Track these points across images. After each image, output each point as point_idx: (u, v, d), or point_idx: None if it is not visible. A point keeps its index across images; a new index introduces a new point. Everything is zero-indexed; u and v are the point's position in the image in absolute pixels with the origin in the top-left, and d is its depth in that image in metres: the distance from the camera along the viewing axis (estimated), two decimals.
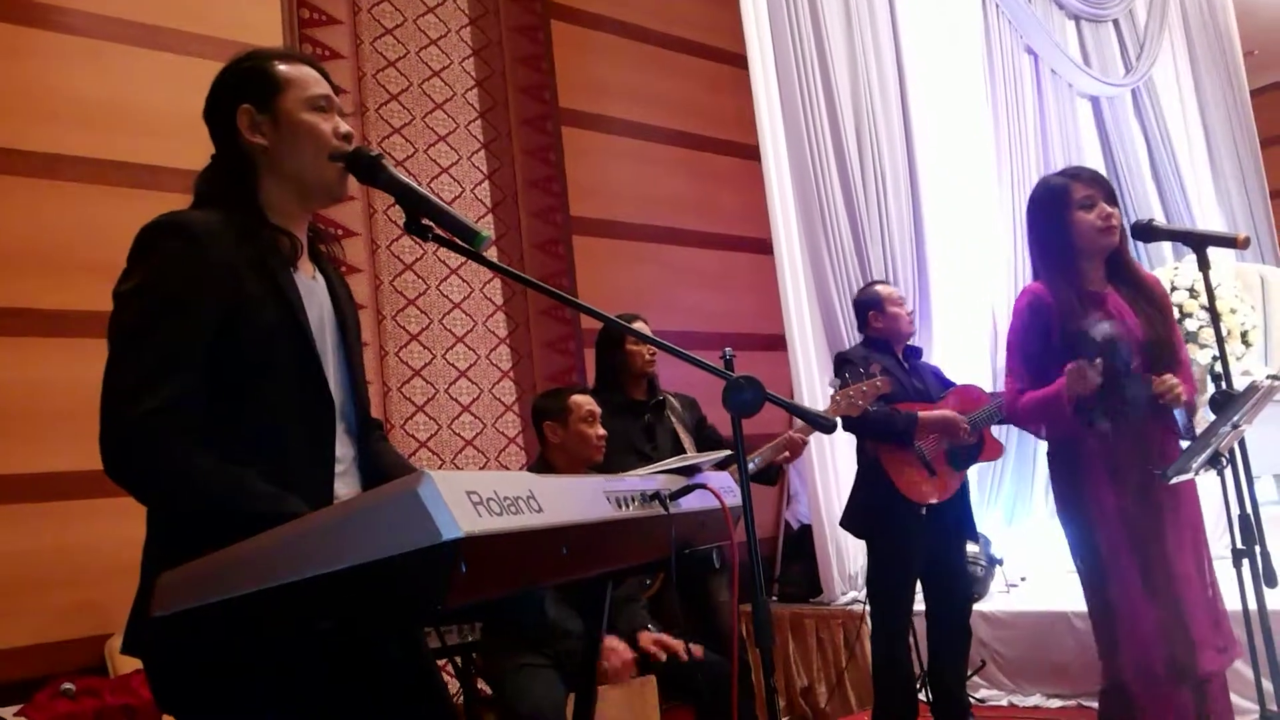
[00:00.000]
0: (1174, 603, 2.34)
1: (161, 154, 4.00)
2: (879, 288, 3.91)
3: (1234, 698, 3.42)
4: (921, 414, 3.56)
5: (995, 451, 3.73)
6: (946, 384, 3.87)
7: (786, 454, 3.42)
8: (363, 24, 4.94)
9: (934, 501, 3.56)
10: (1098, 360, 2.34)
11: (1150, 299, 2.56)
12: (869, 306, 3.83)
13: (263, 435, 1.51)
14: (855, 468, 3.82)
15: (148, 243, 1.51)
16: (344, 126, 1.65)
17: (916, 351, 3.88)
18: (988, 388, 4.04)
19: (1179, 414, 2.51)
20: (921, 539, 3.57)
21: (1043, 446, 2.74)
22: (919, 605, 3.72)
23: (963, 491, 3.69)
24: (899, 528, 3.57)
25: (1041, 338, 2.50)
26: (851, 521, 3.86)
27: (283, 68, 1.64)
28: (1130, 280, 2.57)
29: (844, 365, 3.65)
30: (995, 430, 3.76)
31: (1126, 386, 2.44)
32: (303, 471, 1.54)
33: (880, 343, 3.79)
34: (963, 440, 3.56)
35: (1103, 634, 2.42)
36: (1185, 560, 2.37)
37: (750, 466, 3.10)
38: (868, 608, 3.76)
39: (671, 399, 3.73)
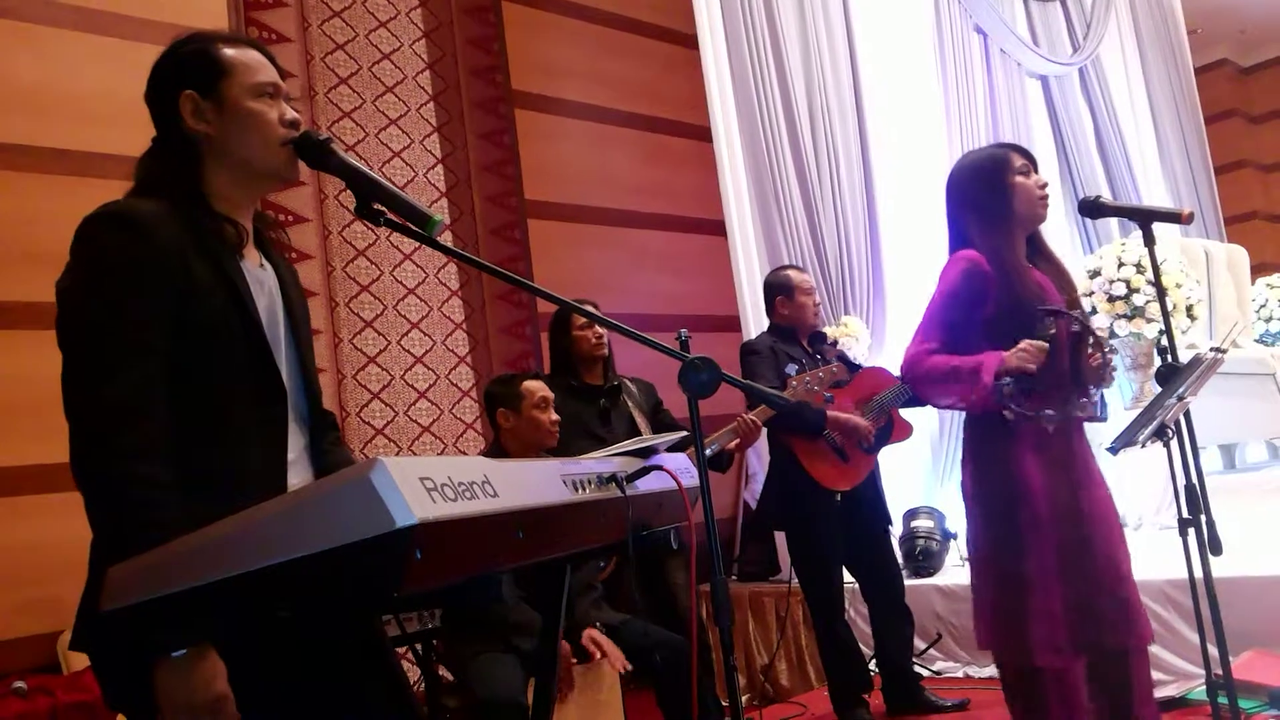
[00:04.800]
0: (1089, 577, 2.33)
1: (102, 141, 3.92)
2: (791, 273, 3.85)
3: (1179, 662, 3.54)
4: (830, 413, 3.55)
5: (904, 432, 3.77)
6: (853, 368, 3.89)
7: (738, 440, 3.41)
8: (310, 6, 4.87)
9: (847, 488, 3.59)
10: (1045, 345, 2.35)
11: (1066, 280, 2.58)
12: (778, 291, 3.79)
13: (214, 425, 1.50)
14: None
15: (90, 235, 1.48)
16: (290, 113, 1.61)
17: (822, 337, 3.88)
18: None
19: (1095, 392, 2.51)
20: (839, 524, 3.60)
21: None
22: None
23: (874, 475, 3.73)
24: (815, 515, 3.60)
25: (970, 305, 2.44)
26: (768, 513, 3.87)
27: (228, 52, 1.60)
28: (1049, 259, 2.59)
29: (750, 355, 3.65)
30: (906, 411, 3.78)
31: (1089, 380, 2.43)
32: (255, 460, 1.53)
33: (785, 330, 3.76)
34: (865, 441, 3.59)
35: (1007, 612, 2.36)
36: (1099, 536, 2.38)
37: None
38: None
39: (628, 383, 3.73)
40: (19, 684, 3.25)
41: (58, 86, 3.99)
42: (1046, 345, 2.34)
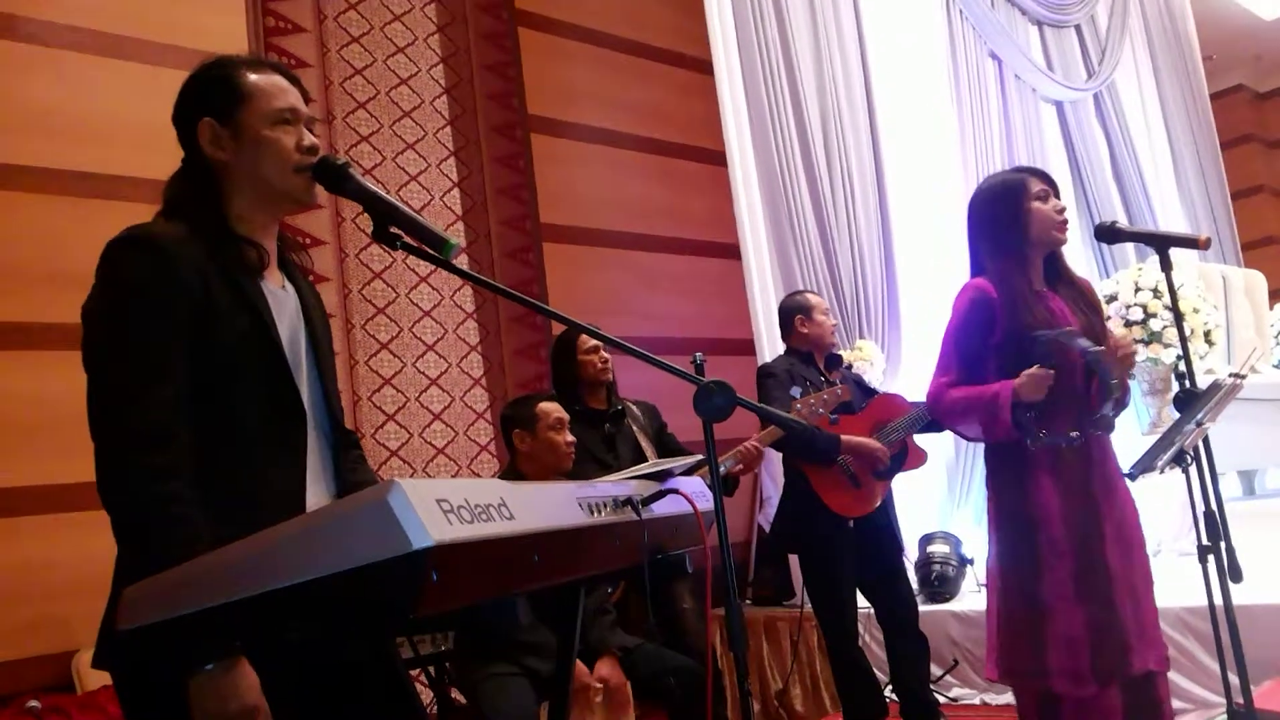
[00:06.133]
0: (1107, 602, 2.31)
1: (124, 164, 3.96)
2: (809, 295, 3.84)
3: (1197, 689, 3.49)
4: (844, 437, 3.51)
5: (918, 459, 3.72)
6: (869, 392, 3.87)
7: (741, 465, 3.37)
8: (329, 32, 4.92)
9: (859, 514, 3.55)
10: (1051, 370, 2.34)
11: (1087, 301, 2.57)
12: (797, 311, 3.76)
13: (235, 445, 1.51)
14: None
15: (113, 259, 1.50)
16: (309, 139, 1.63)
17: (838, 361, 3.85)
18: None
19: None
20: (851, 549, 3.56)
21: None
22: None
23: (887, 500, 3.70)
24: (827, 540, 3.55)
25: (980, 335, 2.45)
26: (781, 536, 3.84)
27: (250, 78, 1.62)
28: (1068, 281, 2.58)
29: (767, 379, 3.62)
30: (921, 438, 3.75)
31: (1107, 401, 2.40)
32: (275, 480, 1.54)
33: (803, 353, 3.73)
34: (881, 466, 3.57)
35: (1023, 637, 2.35)
36: (1118, 559, 2.36)
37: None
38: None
39: (631, 406, 3.71)
40: (33, 703, 3.26)
41: (80, 110, 4.04)
42: (1048, 372, 2.33)
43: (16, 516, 3.64)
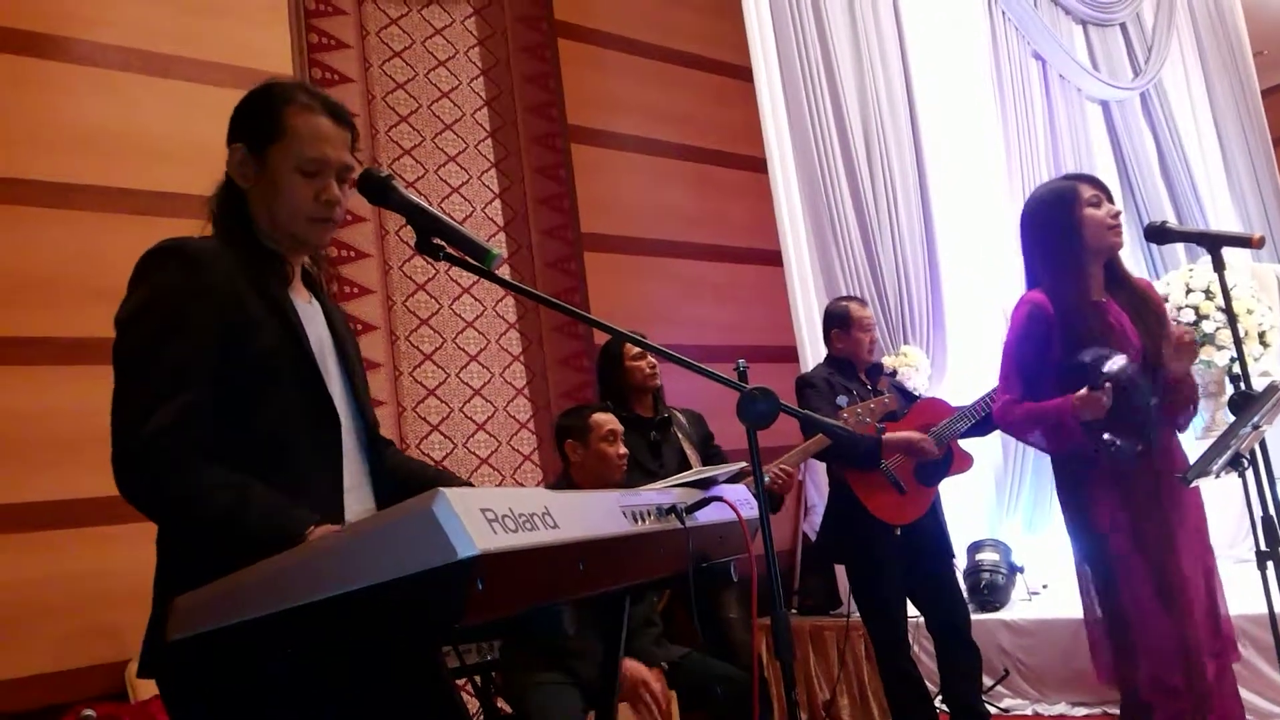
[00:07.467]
0: (1182, 611, 2.32)
1: (171, 180, 4.02)
2: (851, 306, 3.75)
3: (1257, 700, 3.41)
4: (885, 436, 3.44)
5: (964, 463, 3.64)
6: (910, 398, 3.81)
7: (779, 483, 3.36)
8: (371, 47, 4.97)
9: (907, 521, 3.48)
10: (1107, 386, 2.32)
11: (1148, 306, 2.53)
12: (834, 323, 3.71)
13: (271, 453, 1.53)
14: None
15: (147, 267, 1.54)
16: (331, 193, 1.63)
17: (879, 367, 3.80)
18: None
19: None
20: (900, 557, 3.50)
21: None
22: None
23: (935, 506, 3.64)
24: (875, 548, 3.49)
25: (1038, 349, 2.46)
26: (827, 547, 3.78)
27: (293, 118, 1.62)
28: (1127, 287, 2.54)
29: (806, 389, 3.58)
30: (967, 441, 3.68)
31: (1147, 422, 2.37)
32: (313, 487, 1.55)
33: (843, 362, 3.68)
34: (930, 456, 3.50)
35: (1114, 645, 2.39)
36: (1190, 566, 2.35)
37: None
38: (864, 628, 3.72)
39: (678, 415, 3.70)
40: (88, 712, 3.31)
41: (124, 128, 4.11)
42: (1098, 394, 2.33)
43: (70, 528, 3.71)
